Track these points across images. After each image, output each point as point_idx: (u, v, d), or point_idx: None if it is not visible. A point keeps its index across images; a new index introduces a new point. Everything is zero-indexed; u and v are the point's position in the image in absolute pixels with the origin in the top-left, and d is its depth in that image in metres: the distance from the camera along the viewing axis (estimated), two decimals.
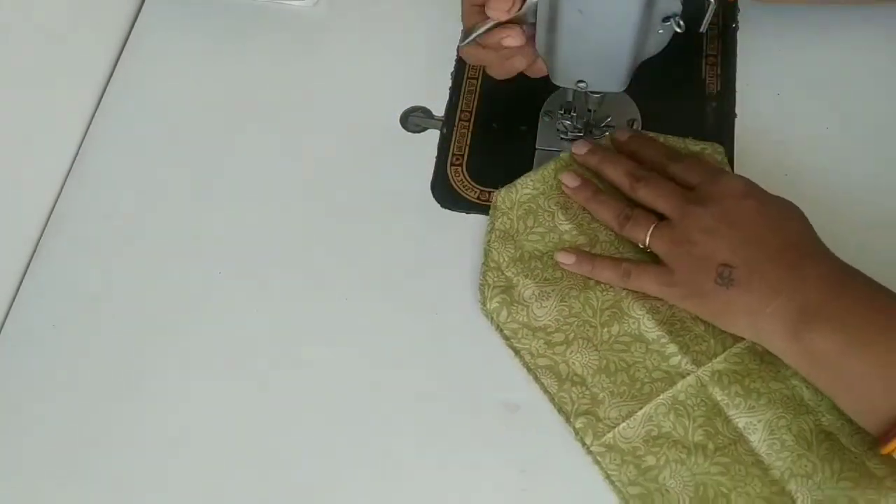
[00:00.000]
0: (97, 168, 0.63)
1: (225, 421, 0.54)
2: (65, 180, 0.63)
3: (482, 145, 0.61)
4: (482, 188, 0.59)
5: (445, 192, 0.59)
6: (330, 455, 0.52)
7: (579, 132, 0.59)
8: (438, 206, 0.59)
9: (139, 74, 0.67)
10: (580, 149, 0.57)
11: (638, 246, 0.53)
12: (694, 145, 0.57)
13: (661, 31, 0.49)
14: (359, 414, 0.53)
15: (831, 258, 0.49)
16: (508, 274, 0.55)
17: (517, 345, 0.53)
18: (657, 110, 0.60)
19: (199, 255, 0.59)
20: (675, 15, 0.48)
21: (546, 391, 0.52)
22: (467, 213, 0.59)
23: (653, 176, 0.53)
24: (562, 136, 0.60)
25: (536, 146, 0.60)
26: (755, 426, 0.49)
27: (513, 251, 0.55)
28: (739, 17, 0.63)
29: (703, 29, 0.51)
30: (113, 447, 0.54)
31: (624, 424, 0.50)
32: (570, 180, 0.56)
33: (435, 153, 0.61)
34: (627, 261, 0.53)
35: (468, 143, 0.61)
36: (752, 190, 0.50)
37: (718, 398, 0.50)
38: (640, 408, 0.50)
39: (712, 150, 0.57)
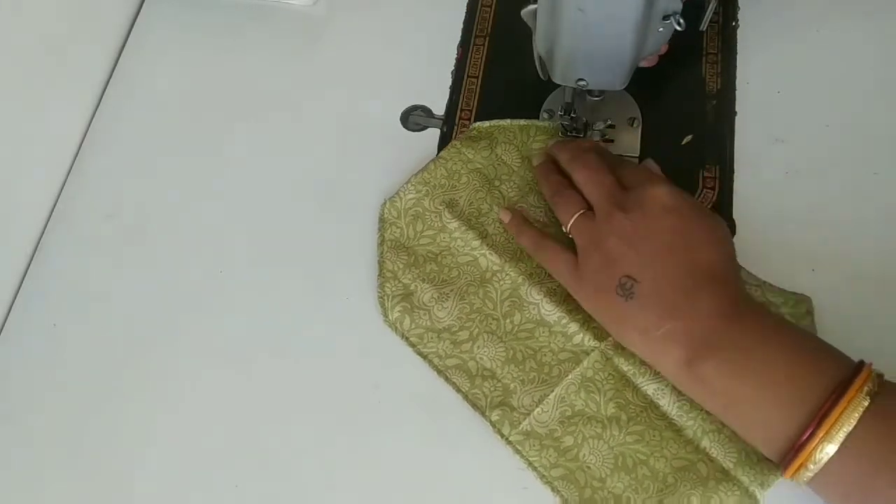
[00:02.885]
0: (97, 168, 0.63)
1: (225, 419, 0.54)
2: (65, 180, 0.63)
3: None
4: None
5: None
6: (330, 454, 0.52)
7: (579, 132, 0.59)
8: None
9: (139, 74, 0.67)
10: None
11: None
12: (777, 296, 0.53)
13: (661, 30, 0.49)
14: (359, 413, 0.53)
15: (733, 288, 0.48)
16: (405, 281, 0.55)
17: (424, 350, 0.53)
18: (657, 109, 0.60)
19: (199, 255, 0.59)
20: (675, 13, 0.48)
21: (459, 390, 0.52)
22: None
23: (593, 159, 0.53)
24: (562, 135, 0.59)
25: None
26: (663, 391, 0.50)
27: (406, 258, 0.56)
28: (739, 16, 0.63)
29: (703, 27, 0.51)
30: (113, 446, 0.54)
31: (538, 410, 0.51)
32: (536, 160, 0.58)
33: (435, 152, 0.61)
34: (551, 237, 0.54)
35: None
36: (678, 206, 0.49)
37: (625, 368, 0.51)
38: (552, 391, 0.51)
39: (795, 303, 0.53)
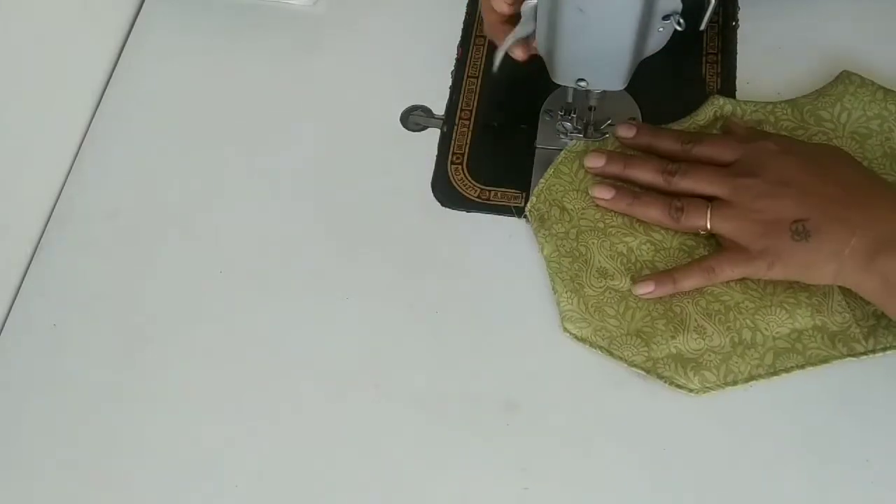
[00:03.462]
0: (97, 168, 0.63)
1: (225, 419, 0.54)
2: (65, 180, 0.63)
3: (482, 144, 0.61)
4: (482, 187, 0.59)
5: (446, 191, 0.59)
6: (329, 453, 0.52)
7: (579, 132, 0.59)
8: (439, 204, 0.59)
9: (139, 74, 0.67)
10: (595, 161, 0.56)
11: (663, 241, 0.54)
12: (700, 117, 0.57)
13: (661, 30, 0.49)
14: (359, 413, 0.53)
15: (890, 187, 0.49)
16: (663, 354, 0.53)
17: (744, 376, 0.52)
18: (657, 108, 0.60)
19: (199, 255, 0.59)
20: (675, 13, 0.48)
21: (801, 367, 0.51)
22: (467, 211, 0.59)
23: (685, 164, 0.53)
24: (562, 136, 0.59)
25: (536, 145, 0.60)
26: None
27: (639, 341, 0.53)
28: (739, 16, 0.63)
29: (703, 27, 0.51)
30: (113, 447, 0.54)
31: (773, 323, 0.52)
32: (603, 192, 0.55)
33: (435, 152, 0.61)
34: (703, 258, 0.53)
35: (468, 141, 0.61)
36: (789, 146, 0.51)
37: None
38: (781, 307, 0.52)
39: (714, 106, 0.56)
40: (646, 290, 0.53)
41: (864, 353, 0.51)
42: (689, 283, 0.53)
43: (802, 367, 0.51)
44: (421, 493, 0.51)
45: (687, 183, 0.53)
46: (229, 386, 0.55)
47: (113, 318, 0.57)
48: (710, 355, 0.52)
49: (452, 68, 0.64)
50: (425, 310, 0.55)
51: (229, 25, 0.68)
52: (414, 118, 0.63)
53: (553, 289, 0.55)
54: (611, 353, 0.53)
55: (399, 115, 0.62)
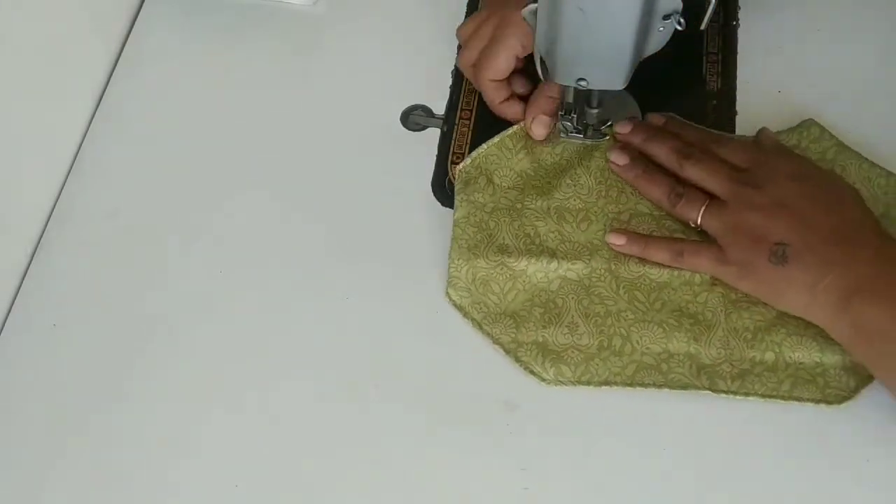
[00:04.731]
0: (97, 167, 0.63)
1: (225, 419, 0.54)
2: (65, 180, 0.63)
3: (482, 144, 0.61)
4: None
5: (446, 191, 0.59)
6: (330, 453, 0.52)
7: (579, 132, 0.59)
8: (439, 204, 0.59)
9: (139, 74, 0.67)
10: (624, 128, 0.57)
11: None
12: (794, 131, 0.57)
13: (661, 29, 0.49)
14: (359, 413, 0.53)
15: (885, 236, 0.49)
16: (530, 340, 0.53)
17: (601, 378, 0.52)
18: (658, 108, 0.60)
19: (199, 255, 0.59)
20: (675, 13, 0.48)
21: (659, 386, 0.51)
22: None
23: (700, 153, 0.53)
24: (562, 135, 0.59)
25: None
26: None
27: (512, 321, 0.54)
28: (740, 15, 0.63)
29: (703, 27, 0.51)
30: (113, 446, 0.54)
31: (726, 353, 0.51)
32: (618, 158, 0.56)
33: (435, 152, 0.61)
34: (681, 240, 0.54)
35: (469, 141, 0.61)
36: (804, 171, 0.51)
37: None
38: (722, 330, 0.52)
39: (807, 128, 0.57)
40: (618, 241, 0.54)
41: (726, 392, 0.51)
42: (657, 254, 0.54)
43: (660, 387, 0.51)
44: (421, 493, 0.51)
45: (696, 172, 0.53)
46: (229, 386, 0.54)
47: (113, 318, 0.57)
48: (573, 352, 0.53)
49: (452, 68, 0.64)
50: (425, 310, 0.55)
51: (229, 25, 0.68)
52: (414, 118, 0.63)
53: (449, 253, 0.55)
54: (480, 328, 0.54)
55: (399, 115, 0.62)
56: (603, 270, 0.54)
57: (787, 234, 0.49)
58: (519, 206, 0.57)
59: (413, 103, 0.63)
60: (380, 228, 0.58)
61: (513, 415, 0.52)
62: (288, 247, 0.59)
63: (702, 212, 0.52)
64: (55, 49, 0.62)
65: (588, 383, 0.52)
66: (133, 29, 0.69)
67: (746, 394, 0.50)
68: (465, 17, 0.66)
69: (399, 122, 0.62)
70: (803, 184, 0.50)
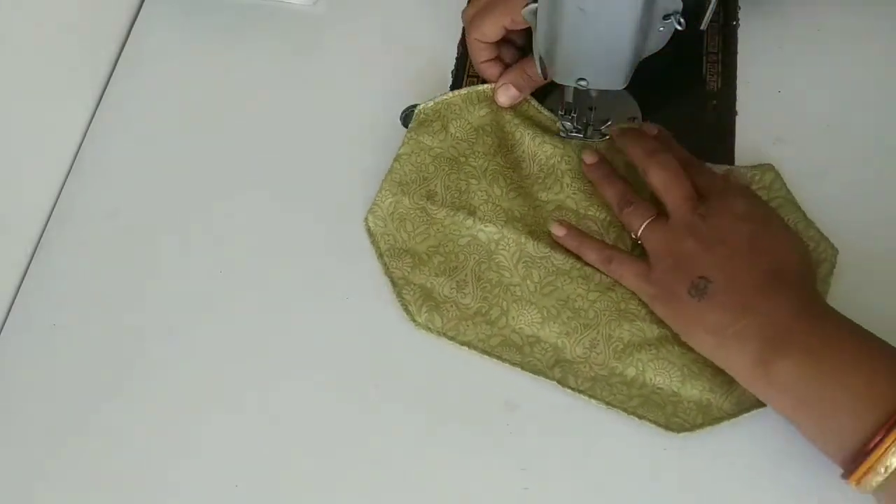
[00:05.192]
0: (97, 167, 0.63)
1: (224, 419, 0.54)
2: (65, 180, 0.63)
3: None
4: None
5: None
6: (329, 453, 0.52)
7: (580, 132, 0.59)
8: None
9: (139, 74, 0.67)
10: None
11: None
12: (747, 172, 0.56)
13: (661, 29, 0.49)
14: (359, 413, 0.53)
15: (809, 291, 0.48)
16: (419, 282, 0.55)
17: (465, 339, 0.54)
18: (658, 108, 0.60)
19: (199, 254, 0.59)
20: (675, 12, 0.48)
21: (514, 364, 0.52)
22: None
23: (671, 160, 0.53)
24: (562, 135, 0.59)
25: None
26: None
27: (410, 259, 0.56)
28: (740, 15, 0.63)
29: (703, 26, 0.51)
30: (112, 446, 0.54)
31: (592, 354, 0.52)
32: (588, 157, 0.57)
33: None
34: (615, 247, 0.54)
35: None
36: (755, 214, 0.50)
37: None
38: (597, 332, 0.52)
39: (762, 173, 0.55)
40: (559, 231, 0.55)
41: (574, 390, 0.51)
42: (589, 254, 0.54)
43: (514, 366, 0.52)
44: (421, 493, 0.51)
45: (659, 177, 0.52)
46: (229, 386, 0.55)
47: (113, 318, 0.57)
48: (451, 307, 0.54)
49: (453, 67, 0.64)
50: None
51: (229, 25, 0.68)
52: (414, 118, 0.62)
53: (382, 183, 0.57)
54: (381, 256, 0.56)
55: (399, 115, 0.62)
56: (511, 241, 0.55)
57: (713, 270, 0.48)
58: (462, 159, 0.58)
59: (413, 103, 0.62)
60: None
61: (513, 415, 0.52)
62: (288, 247, 0.59)
63: (644, 224, 0.52)
64: (55, 49, 0.62)
65: (452, 339, 0.53)
66: (133, 29, 0.69)
67: (592, 396, 0.51)
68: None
69: (399, 122, 0.62)
70: (749, 226, 0.49)
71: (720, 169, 0.56)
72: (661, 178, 0.52)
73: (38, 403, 0.56)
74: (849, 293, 0.52)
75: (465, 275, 0.55)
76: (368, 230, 0.57)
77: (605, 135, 0.59)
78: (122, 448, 0.54)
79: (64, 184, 0.63)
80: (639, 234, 0.52)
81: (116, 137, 0.64)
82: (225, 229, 0.60)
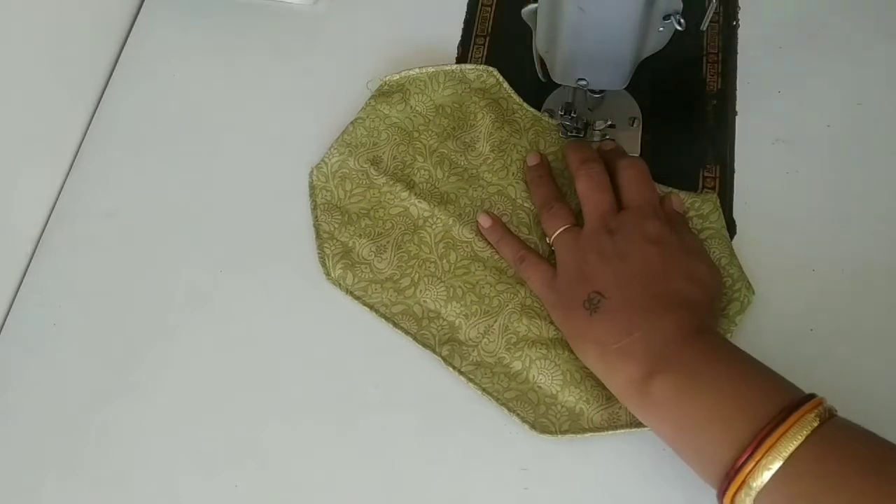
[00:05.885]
0: (97, 167, 0.63)
1: (224, 418, 0.54)
2: (65, 179, 0.63)
3: None
4: None
5: None
6: (329, 454, 0.52)
7: (579, 132, 0.59)
8: None
9: (139, 73, 0.67)
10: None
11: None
12: (687, 198, 0.56)
13: (661, 29, 0.49)
14: (359, 412, 0.53)
15: (699, 317, 0.48)
16: (343, 239, 0.57)
17: (369, 301, 0.55)
18: (657, 108, 0.60)
19: (199, 254, 0.59)
20: (675, 13, 0.48)
21: (408, 334, 0.54)
22: None
23: (600, 172, 0.53)
24: (562, 134, 0.59)
25: None
26: None
27: (340, 217, 0.58)
28: (740, 15, 0.63)
29: (703, 27, 0.51)
30: (112, 446, 0.54)
31: (485, 340, 0.53)
32: (531, 159, 0.58)
33: None
34: (530, 249, 0.55)
35: None
36: (666, 238, 0.50)
37: None
38: (495, 321, 0.54)
39: (702, 202, 0.55)
40: (485, 222, 0.56)
41: (457, 371, 0.52)
42: (503, 250, 0.55)
43: (406, 336, 0.54)
44: (421, 493, 0.51)
45: (583, 182, 0.53)
46: (229, 385, 0.55)
47: (113, 318, 0.57)
48: (365, 269, 0.56)
49: None
50: None
51: (229, 25, 0.68)
52: None
53: (333, 142, 0.60)
54: (314, 209, 0.58)
55: None
56: (439, 221, 0.57)
57: (609, 287, 0.48)
58: (416, 134, 0.60)
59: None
60: None
61: (513, 415, 0.52)
62: (288, 246, 0.58)
63: (558, 231, 0.53)
64: (55, 49, 0.62)
65: (357, 299, 0.55)
66: (133, 29, 0.69)
67: (471, 380, 0.52)
68: (465, 16, 0.66)
69: None
70: (656, 248, 0.49)
71: (663, 190, 0.56)
72: (584, 187, 0.53)
73: (38, 403, 0.56)
74: (851, 295, 0.52)
75: (387, 242, 0.56)
76: (310, 184, 0.59)
77: (605, 134, 0.59)
78: (122, 448, 0.54)
79: (64, 183, 0.63)
80: (552, 239, 0.53)
81: (116, 137, 0.64)
82: (225, 229, 0.60)
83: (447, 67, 0.61)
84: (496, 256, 0.56)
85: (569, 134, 0.59)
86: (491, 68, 0.61)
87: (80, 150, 0.64)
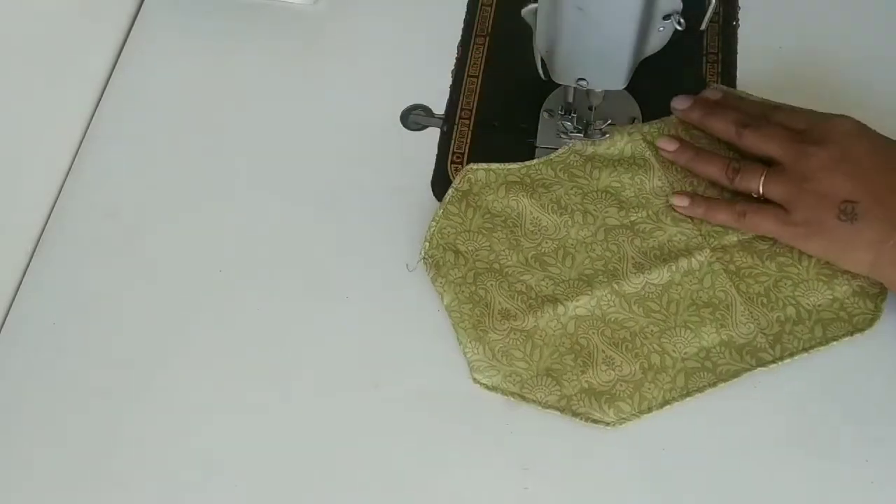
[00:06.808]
0: (97, 167, 0.63)
1: (224, 419, 0.54)
2: (65, 179, 0.63)
3: (482, 143, 0.61)
4: None
5: (446, 190, 0.59)
6: (330, 453, 0.52)
7: (580, 132, 0.59)
8: (439, 203, 0.59)
9: (139, 73, 0.67)
10: (681, 104, 0.57)
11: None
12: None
13: (661, 29, 0.50)
14: (359, 412, 0.53)
15: None
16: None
17: (656, 400, 0.51)
18: (658, 108, 0.60)
19: (199, 254, 0.59)
20: (675, 13, 0.48)
21: (712, 385, 0.51)
22: None
23: (760, 122, 0.53)
24: (562, 135, 0.59)
25: (536, 144, 0.60)
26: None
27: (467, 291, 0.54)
28: (740, 15, 0.63)
29: (703, 27, 0.51)
30: (112, 446, 0.54)
31: (752, 324, 0.52)
32: (667, 144, 0.56)
33: (435, 151, 0.61)
34: (743, 202, 0.53)
35: (468, 141, 0.61)
36: (865, 130, 0.51)
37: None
38: (737, 307, 0.52)
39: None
40: (681, 202, 0.54)
41: (773, 362, 0.51)
42: (718, 215, 0.54)
43: (714, 384, 0.51)
44: (421, 492, 0.51)
45: (754, 139, 0.53)
46: (229, 385, 0.54)
47: (113, 318, 0.57)
48: (621, 385, 0.51)
49: (452, 68, 0.64)
50: (426, 309, 0.55)
51: (229, 25, 0.68)
52: (414, 118, 0.63)
53: (458, 339, 0.53)
54: (524, 398, 0.52)
55: (399, 114, 0.62)
56: (608, 295, 0.54)
57: (853, 190, 0.49)
58: (497, 266, 0.55)
59: (413, 103, 0.63)
60: (380, 228, 0.58)
61: (513, 415, 0.52)
62: (288, 246, 0.59)
63: (762, 180, 0.52)
64: (55, 49, 0.62)
65: (649, 410, 0.51)
66: (133, 29, 0.69)
67: (791, 354, 0.51)
68: (465, 16, 0.66)
69: (399, 121, 0.62)
70: (867, 141, 0.50)
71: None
72: (757, 138, 0.53)
73: (38, 403, 0.55)
74: None
75: (602, 351, 0.52)
76: (486, 387, 0.52)
77: (606, 133, 0.59)
78: (122, 447, 0.54)
79: (63, 183, 0.63)
80: (761, 190, 0.52)
81: (116, 137, 0.64)
82: (224, 228, 0.60)
83: (447, 196, 0.58)
84: (673, 267, 0.54)
85: (569, 134, 0.59)
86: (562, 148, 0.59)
87: (81, 149, 0.64)
